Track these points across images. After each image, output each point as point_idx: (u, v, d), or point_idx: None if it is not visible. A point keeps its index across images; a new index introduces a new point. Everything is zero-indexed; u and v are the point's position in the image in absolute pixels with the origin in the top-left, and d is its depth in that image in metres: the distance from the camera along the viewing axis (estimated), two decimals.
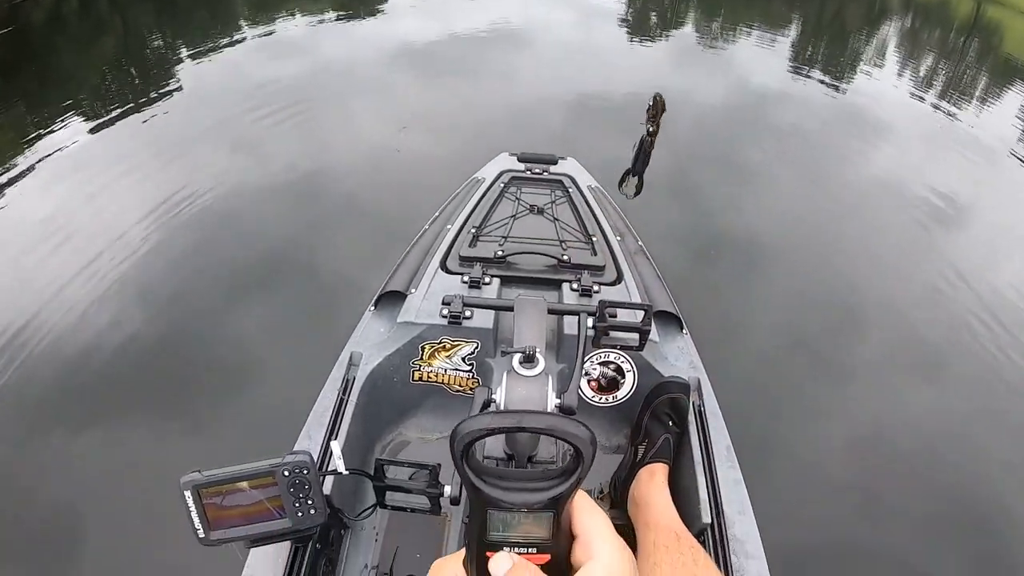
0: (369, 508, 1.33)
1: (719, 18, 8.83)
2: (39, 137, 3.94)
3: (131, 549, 1.95)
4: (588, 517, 0.57)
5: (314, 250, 3.09)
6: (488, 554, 0.54)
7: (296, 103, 4.39)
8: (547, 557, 0.54)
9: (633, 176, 1.79)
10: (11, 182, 3.57)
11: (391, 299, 1.81)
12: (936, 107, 5.28)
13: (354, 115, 4.37)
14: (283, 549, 1.34)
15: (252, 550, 1.35)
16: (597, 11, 8.17)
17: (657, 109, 1.57)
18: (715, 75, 6.01)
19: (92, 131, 4.05)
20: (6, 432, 2.31)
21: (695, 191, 3.72)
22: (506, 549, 0.54)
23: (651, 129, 1.61)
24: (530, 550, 0.54)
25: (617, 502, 1.64)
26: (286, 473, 1.03)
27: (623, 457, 1.68)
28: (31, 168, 3.69)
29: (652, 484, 1.51)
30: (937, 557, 2.08)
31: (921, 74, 6.90)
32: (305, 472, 1.04)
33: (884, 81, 6.31)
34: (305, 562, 1.32)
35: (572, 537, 0.56)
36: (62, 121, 4.09)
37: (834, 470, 2.31)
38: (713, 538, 1.42)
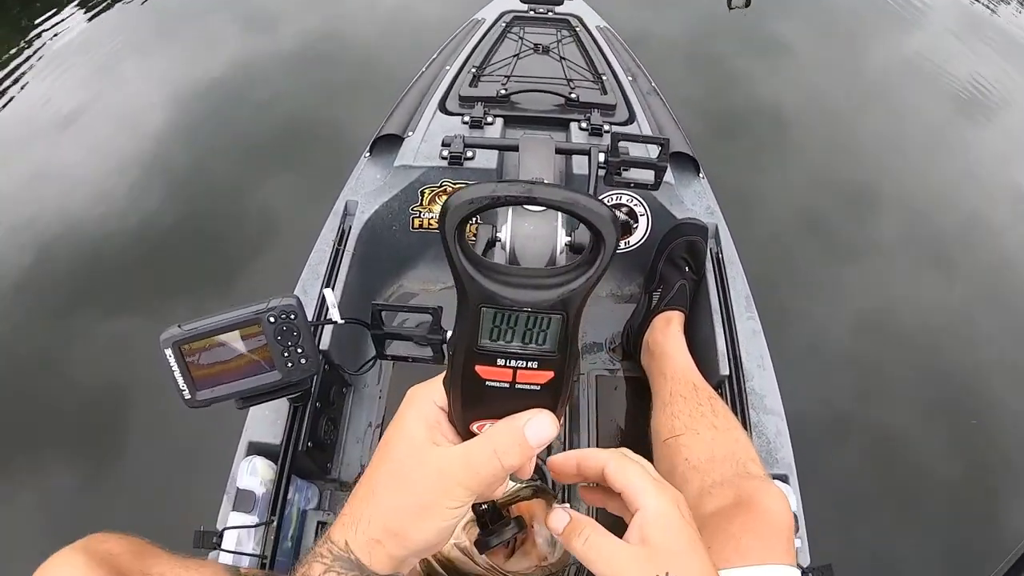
0: (369, 361, 1.26)
1: None
2: (38, 28, 3.78)
3: (172, 422, 1.94)
4: (627, 470, 0.53)
5: (330, 113, 2.97)
6: (478, 367, 0.44)
7: None
8: (550, 374, 0.44)
9: None
10: (16, 76, 3.43)
11: (387, 143, 1.69)
12: None
13: None
14: (282, 410, 1.28)
15: (251, 412, 1.30)
16: None
17: None
18: None
19: (91, 18, 3.85)
20: (37, 319, 2.30)
21: (718, 61, 3.51)
22: (500, 361, 0.44)
23: None
24: (530, 364, 0.44)
25: (630, 352, 1.57)
26: (272, 320, 0.94)
27: (636, 305, 1.59)
28: (33, 60, 3.53)
29: (668, 332, 1.43)
30: (928, 439, 2.09)
31: None
32: (292, 318, 0.95)
33: None
34: (305, 422, 1.26)
35: (578, 357, 0.48)
36: (59, 11, 3.89)
37: (840, 343, 2.29)
38: (731, 391, 1.36)
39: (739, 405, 1.32)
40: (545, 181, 0.87)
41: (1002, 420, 2.13)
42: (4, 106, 3.24)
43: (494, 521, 0.64)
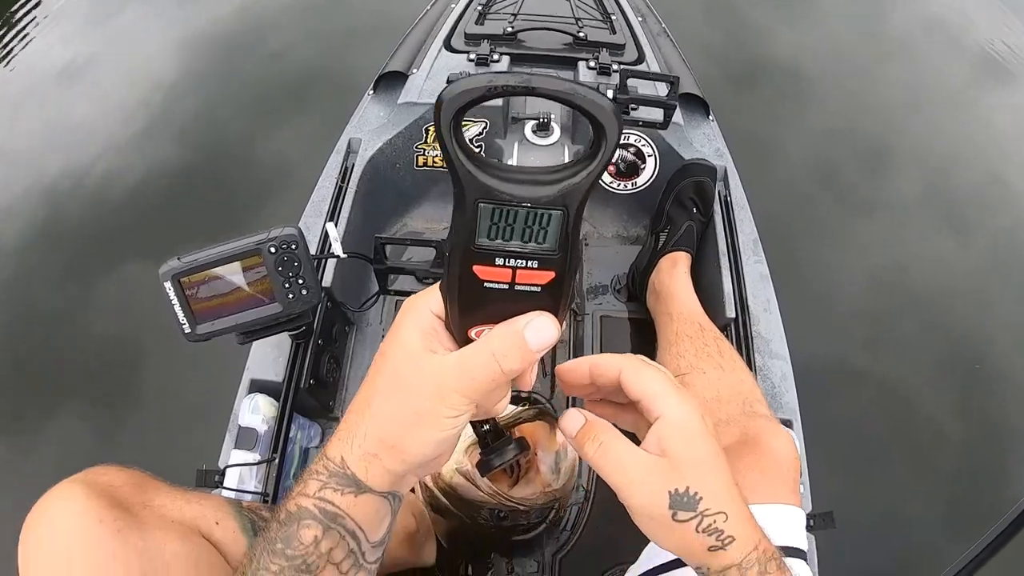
0: (372, 297, 1.25)
1: None
2: None
3: (181, 366, 1.97)
4: (645, 375, 0.51)
5: (339, 59, 2.93)
6: (475, 267, 0.43)
7: None
8: (551, 274, 0.43)
9: None
10: (20, 31, 3.39)
11: (391, 80, 1.65)
12: None
13: None
14: (284, 348, 1.28)
15: (253, 350, 1.30)
16: None
17: None
18: None
19: None
20: (50, 269, 2.31)
21: (737, 8, 3.43)
22: (499, 261, 0.42)
23: None
24: (530, 263, 0.43)
25: (635, 294, 1.55)
26: (272, 250, 0.92)
27: (642, 247, 1.57)
28: (37, 15, 3.49)
29: (674, 273, 1.41)
30: (935, 393, 2.08)
31: None
32: (294, 248, 0.93)
33: None
34: (308, 359, 1.25)
35: (580, 258, 0.46)
36: None
37: (850, 294, 2.28)
38: (736, 334, 1.35)
39: (745, 348, 1.31)
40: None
41: (1012, 379, 2.13)
42: (8, 62, 3.23)
43: (496, 442, 0.63)
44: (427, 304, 0.47)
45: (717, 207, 1.50)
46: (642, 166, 1.60)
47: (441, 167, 1.61)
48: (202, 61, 3.02)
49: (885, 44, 3.37)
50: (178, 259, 0.93)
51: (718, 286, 1.39)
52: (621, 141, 1.53)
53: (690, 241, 1.46)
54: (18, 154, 2.74)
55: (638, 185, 1.62)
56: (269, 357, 1.27)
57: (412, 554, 1.16)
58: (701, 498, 0.48)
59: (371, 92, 1.68)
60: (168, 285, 0.93)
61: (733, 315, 1.34)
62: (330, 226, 1.13)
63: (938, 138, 2.90)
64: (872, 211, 2.57)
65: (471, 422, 0.58)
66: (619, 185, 1.62)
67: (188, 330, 0.96)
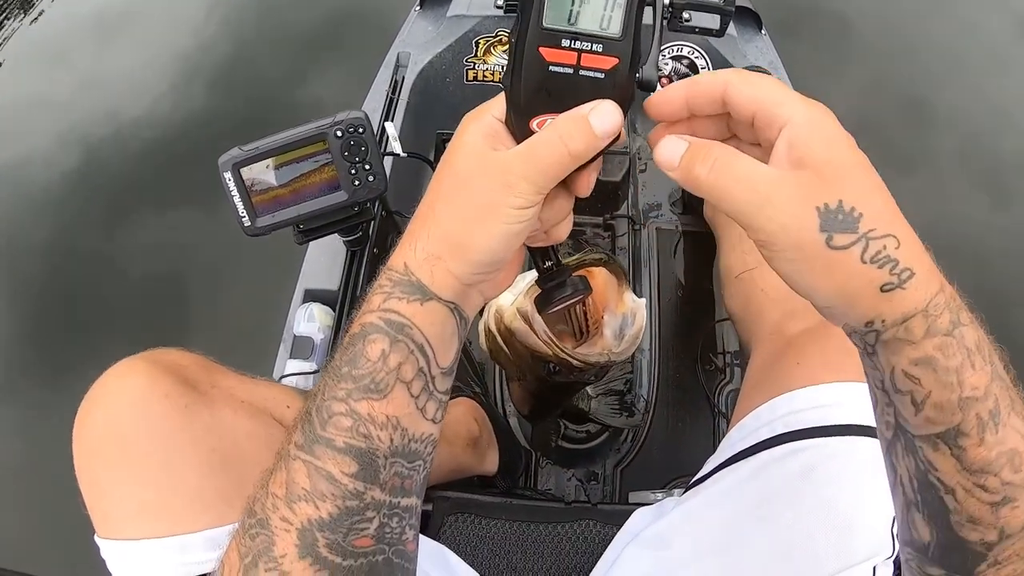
0: None
1: None
2: None
3: (226, 305, 2.02)
4: (760, 83, 0.42)
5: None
6: (542, 49, 0.42)
7: None
8: (615, 60, 0.42)
9: None
10: None
11: None
12: None
13: None
14: (338, 257, 1.26)
15: (307, 258, 1.29)
16: None
17: None
18: None
19: None
20: (91, 215, 2.35)
21: None
22: (565, 43, 0.42)
23: None
24: (595, 47, 0.42)
25: (692, 206, 1.52)
26: (339, 134, 0.90)
27: None
28: None
29: None
30: None
31: None
32: (361, 132, 0.90)
33: None
34: (364, 266, 1.23)
35: (639, 51, 0.44)
36: None
37: None
38: None
39: None
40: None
41: None
42: (36, 18, 3.25)
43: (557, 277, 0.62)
44: (489, 111, 0.47)
45: None
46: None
47: (492, 81, 1.58)
48: (237, 6, 3.02)
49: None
50: (239, 148, 0.91)
51: None
52: (675, 53, 1.49)
53: None
54: (54, 103, 2.76)
55: None
56: (323, 266, 1.26)
57: (476, 460, 1.16)
58: (861, 215, 0.38)
59: (417, 7, 1.65)
60: (228, 175, 0.91)
61: None
62: (388, 124, 1.11)
63: (980, 97, 2.83)
64: (911, 168, 2.52)
65: (533, 258, 0.59)
66: None
67: (248, 223, 0.94)
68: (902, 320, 0.39)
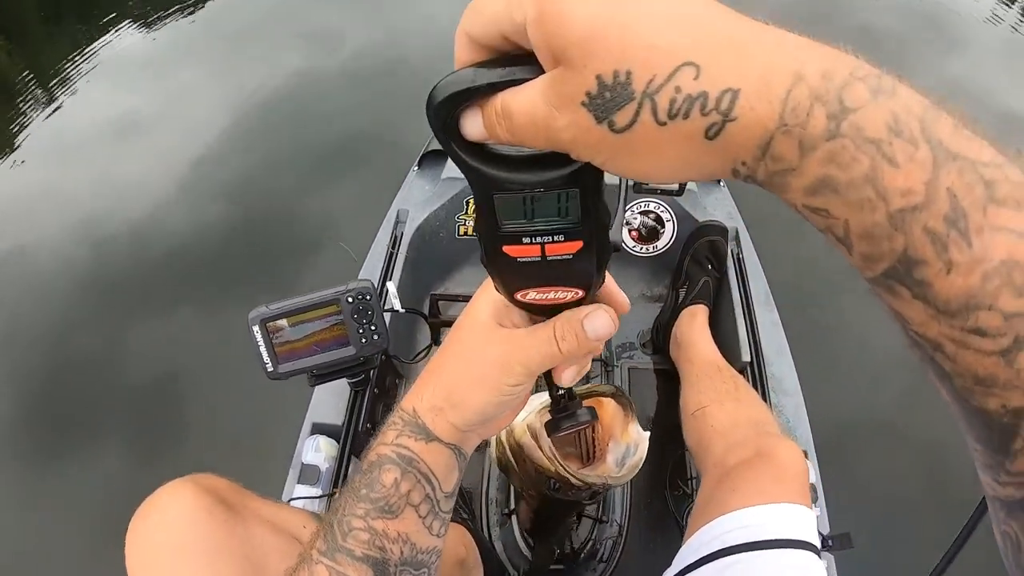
0: (424, 350, 1.39)
1: None
2: (97, 42, 3.91)
3: (225, 412, 2.05)
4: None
5: (389, 129, 3.01)
6: (505, 248, 0.44)
7: None
8: (578, 244, 0.43)
9: None
10: (75, 87, 3.57)
11: (434, 158, 1.84)
12: None
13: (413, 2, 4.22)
14: (343, 396, 1.41)
15: (314, 396, 1.44)
16: None
17: None
18: None
19: (149, 31, 3.98)
20: (95, 313, 2.40)
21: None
22: (526, 240, 0.43)
23: None
24: (557, 238, 0.43)
25: (660, 346, 1.69)
26: (350, 300, 1.07)
27: (664, 303, 1.72)
28: (92, 73, 3.67)
29: (693, 324, 1.55)
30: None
31: None
32: (368, 298, 1.08)
33: None
34: (365, 405, 1.39)
35: (606, 221, 0.43)
36: (118, 26, 4.04)
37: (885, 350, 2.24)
38: (752, 376, 1.47)
39: (760, 387, 1.44)
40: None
41: None
42: (57, 114, 3.37)
43: (568, 407, 0.65)
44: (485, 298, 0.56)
45: (731, 263, 1.65)
46: (661, 231, 1.75)
47: None
48: (253, 122, 3.14)
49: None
50: (266, 306, 1.08)
51: (734, 334, 1.52)
52: (643, 208, 1.69)
53: (707, 295, 1.61)
54: (67, 198, 2.84)
55: (658, 248, 1.77)
56: (329, 404, 1.41)
57: None
58: (630, 72, 0.29)
59: (416, 168, 1.86)
60: (256, 329, 1.08)
61: (748, 359, 1.47)
62: (390, 284, 1.29)
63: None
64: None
65: (548, 383, 0.62)
66: (641, 249, 1.77)
67: (271, 369, 1.10)
68: (760, 152, 0.30)
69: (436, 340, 1.34)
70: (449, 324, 1.32)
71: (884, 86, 0.28)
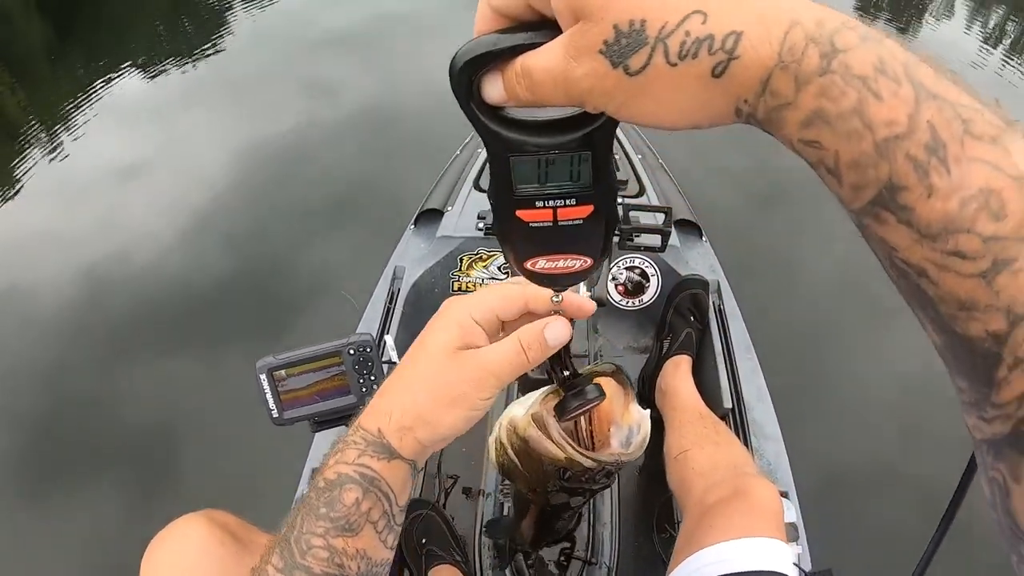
0: None
1: None
2: (102, 86, 3.97)
3: (217, 460, 2.09)
4: None
5: (388, 181, 3.11)
6: (519, 213, 0.46)
7: (358, 44, 4.35)
8: (589, 208, 0.45)
9: None
10: (80, 131, 3.64)
11: (429, 216, 1.93)
12: (1007, 63, 4.82)
13: (414, 56, 4.30)
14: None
15: (314, 440, 1.50)
16: None
17: None
18: None
19: (153, 78, 4.06)
20: (93, 357, 2.44)
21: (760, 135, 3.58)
22: (539, 203, 0.45)
23: None
24: (569, 201, 0.45)
25: (646, 396, 1.76)
26: (351, 352, 1.15)
27: (649, 354, 1.79)
28: (97, 116, 3.74)
29: (677, 374, 1.63)
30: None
31: (991, 26, 6.04)
32: (368, 350, 1.15)
33: (952, 33, 5.43)
34: None
35: (615, 187, 0.46)
36: (122, 71, 4.10)
37: (879, 401, 2.31)
38: (734, 422, 1.55)
39: (742, 432, 1.51)
40: None
41: None
42: (61, 157, 3.44)
43: (576, 386, 0.66)
44: (467, 308, 0.60)
45: (712, 315, 1.73)
46: (647, 285, 1.84)
47: (474, 291, 1.85)
48: (254, 171, 3.21)
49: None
50: (273, 356, 1.15)
51: (716, 381, 1.60)
52: (628, 264, 1.78)
53: (689, 345, 1.68)
54: (69, 240, 2.89)
55: (644, 302, 1.85)
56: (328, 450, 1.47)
57: None
58: (644, 20, 0.32)
59: (412, 226, 1.95)
60: (263, 377, 1.14)
61: (730, 405, 1.55)
62: (388, 338, 1.36)
63: None
64: (897, 317, 2.47)
65: (552, 368, 0.64)
66: (628, 303, 1.85)
67: (276, 415, 1.17)
68: (760, 87, 0.32)
69: None
70: None
71: (872, 35, 0.32)
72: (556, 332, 0.58)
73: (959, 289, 0.31)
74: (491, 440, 0.83)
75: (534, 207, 0.45)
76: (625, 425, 0.81)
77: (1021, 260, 0.30)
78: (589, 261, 0.50)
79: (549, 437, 0.72)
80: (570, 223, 0.46)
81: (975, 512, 0.56)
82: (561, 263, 0.50)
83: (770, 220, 3.03)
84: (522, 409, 0.76)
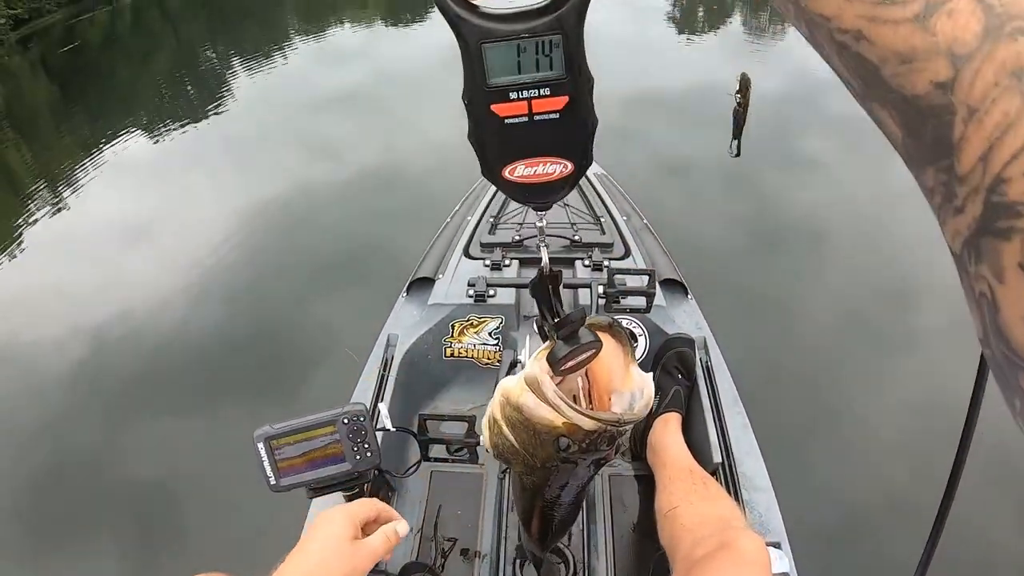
0: (413, 466, 1.48)
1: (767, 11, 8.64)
2: (107, 147, 4.09)
3: (216, 520, 2.10)
4: None
5: (384, 244, 3.17)
6: (494, 107, 0.46)
7: (355, 106, 4.44)
8: (564, 99, 0.46)
9: (735, 140, 1.93)
10: (86, 191, 3.78)
11: (421, 284, 1.99)
12: None
13: (411, 117, 4.40)
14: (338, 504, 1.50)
15: (311, 508, 1.53)
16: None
17: (743, 87, 1.72)
18: (765, 64, 6.11)
19: (156, 138, 4.18)
20: (95, 413, 2.48)
21: (753, 178, 3.75)
22: (513, 95, 0.45)
23: (740, 102, 1.75)
24: (543, 91, 0.45)
25: (638, 454, 1.79)
26: (345, 421, 1.19)
27: None
28: (103, 177, 3.88)
29: (667, 431, 1.66)
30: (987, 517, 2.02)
31: None
32: (362, 419, 1.20)
33: None
34: None
35: (590, 79, 0.46)
36: (126, 132, 4.23)
37: (892, 431, 2.34)
38: (724, 476, 1.57)
39: (732, 486, 1.54)
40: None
41: None
42: (64, 213, 3.56)
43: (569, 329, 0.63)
44: (347, 514, 0.92)
45: (700, 372, 1.77)
46: (634, 345, 1.88)
47: (465, 356, 1.91)
48: (255, 231, 3.29)
49: (890, 197, 3.46)
50: (270, 426, 1.19)
51: (705, 437, 1.63)
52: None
53: (678, 402, 1.72)
54: (71, 294, 2.98)
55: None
56: None
57: None
58: None
59: (404, 294, 2.01)
60: (260, 445, 1.18)
61: (719, 460, 1.58)
62: (382, 405, 1.40)
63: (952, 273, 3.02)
64: (903, 349, 2.64)
65: (541, 312, 0.66)
66: None
67: (273, 482, 1.20)
68: None
69: (425, 456, 1.44)
70: (437, 441, 1.42)
71: None
72: (401, 529, 0.98)
73: (895, 39, 0.29)
74: (484, 420, 0.79)
75: (508, 99, 0.45)
76: (627, 391, 0.75)
77: (955, 2, 0.28)
78: (570, 166, 0.50)
79: (545, 400, 0.67)
80: (546, 117, 0.46)
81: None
82: (540, 168, 0.49)
83: (763, 266, 3.08)
84: (515, 379, 0.72)
